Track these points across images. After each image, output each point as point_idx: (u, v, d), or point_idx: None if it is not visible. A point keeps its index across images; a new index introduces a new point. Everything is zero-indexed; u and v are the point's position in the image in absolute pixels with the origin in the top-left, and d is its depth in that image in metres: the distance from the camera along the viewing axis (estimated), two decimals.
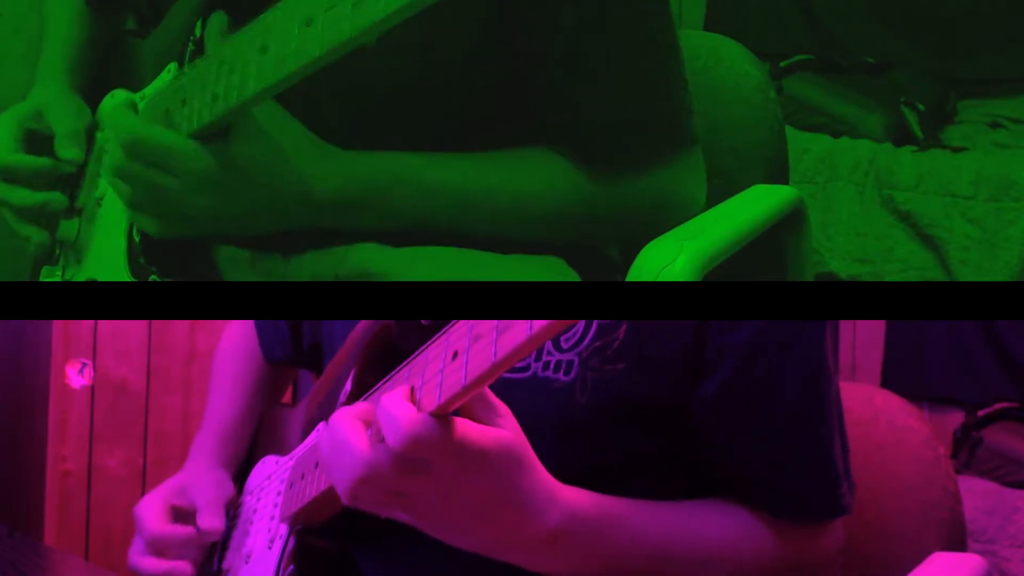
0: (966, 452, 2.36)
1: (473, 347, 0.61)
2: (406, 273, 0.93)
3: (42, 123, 1.06)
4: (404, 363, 0.71)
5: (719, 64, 1.24)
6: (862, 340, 2.61)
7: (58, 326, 2.17)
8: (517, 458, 0.67)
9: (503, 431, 0.67)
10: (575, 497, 0.73)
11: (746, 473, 0.82)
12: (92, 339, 2.21)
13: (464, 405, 0.66)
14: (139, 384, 2.25)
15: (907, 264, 2.23)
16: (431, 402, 0.63)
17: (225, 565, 0.96)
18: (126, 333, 2.24)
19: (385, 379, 0.74)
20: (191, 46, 0.95)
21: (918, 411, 1.02)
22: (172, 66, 0.97)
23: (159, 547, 0.95)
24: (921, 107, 2.38)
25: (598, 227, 0.99)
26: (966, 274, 2.15)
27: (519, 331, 0.57)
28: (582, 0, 0.91)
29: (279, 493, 0.91)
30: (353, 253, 0.97)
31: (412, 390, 0.66)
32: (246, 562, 0.92)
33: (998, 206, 2.15)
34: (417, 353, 0.70)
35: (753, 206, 1.04)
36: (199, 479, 0.99)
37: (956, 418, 2.46)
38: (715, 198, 1.04)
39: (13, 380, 2.35)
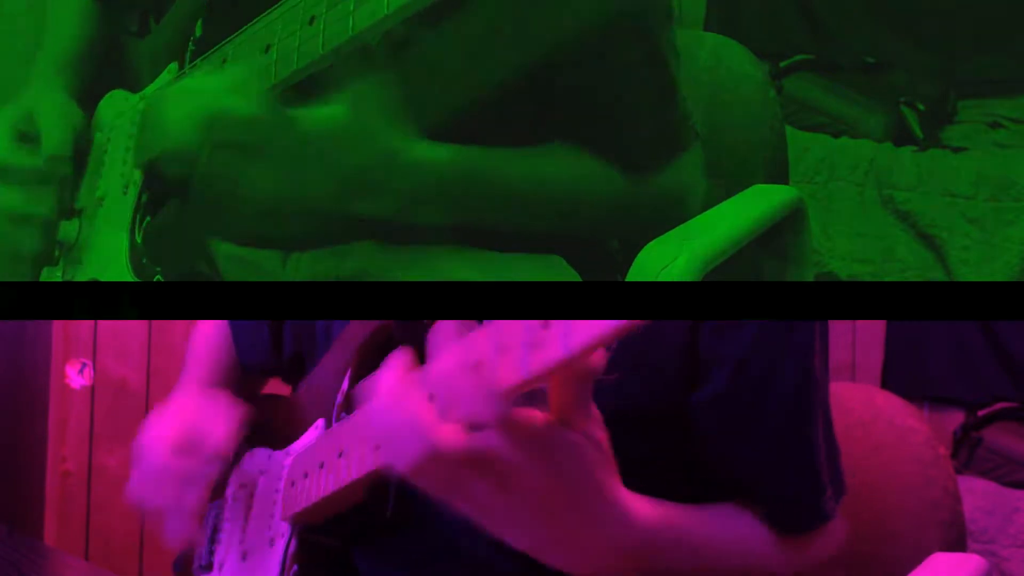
0: (966, 452, 2.36)
1: (550, 333, 0.55)
2: (405, 273, 0.92)
3: (32, 126, 1.03)
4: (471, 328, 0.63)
5: (719, 64, 1.24)
6: (862, 340, 2.61)
7: (58, 326, 2.17)
8: (595, 462, 0.65)
9: (582, 436, 0.64)
10: (650, 517, 0.71)
11: (739, 481, 0.82)
12: (92, 339, 2.21)
13: (561, 402, 0.63)
14: (139, 384, 2.25)
15: (907, 264, 2.23)
16: (511, 378, 0.56)
17: (217, 559, 0.95)
18: (126, 333, 2.24)
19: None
20: (191, 46, 0.95)
21: (918, 411, 1.03)
22: (173, 66, 0.97)
23: (166, 479, 0.92)
24: (921, 107, 2.38)
25: (607, 221, 1.00)
26: (966, 274, 2.15)
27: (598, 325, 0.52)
28: (585, 15, 0.91)
29: (277, 491, 0.90)
30: (353, 252, 0.97)
31: (480, 365, 0.59)
32: (243, 559, 0.92)
33: (998, 206, 2.15)
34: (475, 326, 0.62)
35: (753, 206, 1.04)
36: (202, 408, 0.96)
37: (956, 418, 2.46)
38: (715, 198, 1.04)
39: (13, 380, 2.35)
